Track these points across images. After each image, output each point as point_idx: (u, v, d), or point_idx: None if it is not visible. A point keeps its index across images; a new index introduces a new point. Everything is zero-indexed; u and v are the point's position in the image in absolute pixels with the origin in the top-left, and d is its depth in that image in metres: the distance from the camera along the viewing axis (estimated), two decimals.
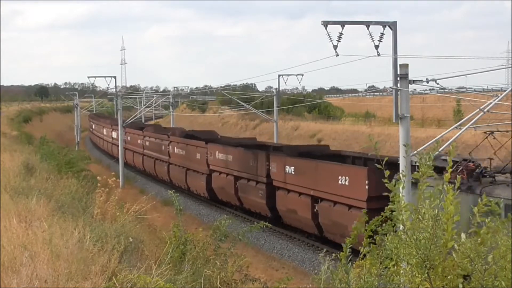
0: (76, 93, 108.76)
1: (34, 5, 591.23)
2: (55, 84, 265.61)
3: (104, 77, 58.27)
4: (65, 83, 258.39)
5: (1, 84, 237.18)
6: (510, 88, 25.32)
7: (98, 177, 23.49)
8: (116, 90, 60.07)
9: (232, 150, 39.79)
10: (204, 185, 43.76)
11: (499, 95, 21.83)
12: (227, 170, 40.08)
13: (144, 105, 78.58)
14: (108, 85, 58.48)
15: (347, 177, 27.23)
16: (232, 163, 39.32)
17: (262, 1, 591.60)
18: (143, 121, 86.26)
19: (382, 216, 9.14)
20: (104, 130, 79.22)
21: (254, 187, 36.52)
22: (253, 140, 46.57)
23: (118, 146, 62.75)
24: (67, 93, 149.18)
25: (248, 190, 37.55)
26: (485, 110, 20.66)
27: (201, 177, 44.49)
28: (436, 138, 18.92)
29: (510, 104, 25.14)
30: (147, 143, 57.30)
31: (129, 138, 63.65)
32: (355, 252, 8.76)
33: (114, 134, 69.71)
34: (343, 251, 8.98)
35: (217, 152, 41.49)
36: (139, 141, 60.13)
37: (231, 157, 39.50)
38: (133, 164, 63.43)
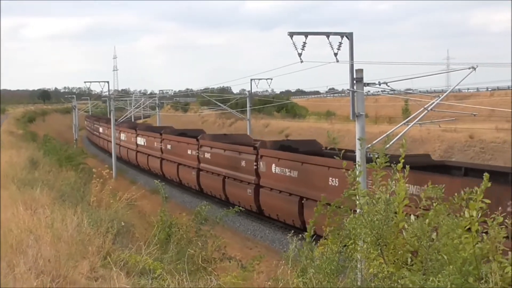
0: (74, 96, 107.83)
1: (38, 18, 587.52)
2: (55, 88, 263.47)
3: (99, 82, 57.78)
4: (65, 88, 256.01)
5: (9, 89, 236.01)
6: (449, 90, 25.48)
7: (94, 170, 23.34)
8: (109, 93, 59.72)
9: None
10: None
11: (440, 95, 21.95)
12: None
13: (133, 106, 78.06)
14: (102, 89, 57.81)
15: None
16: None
17: (238, 15, 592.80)
18: (133, 120, 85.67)
19: (342, 197, 9.17)
20: (123, 135, 62.53)
21: None
22: (427, 158, 25.84)
23: (146, 154, 52.88)
24: (66, 96, 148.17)
25: None
26: (429, 108, 20.78)
27: None
28: (387, 133, 18.99)
29: (450, 103, 25.29)
30: (207, 155, 39.20)
31: (168, 146, 47.10)
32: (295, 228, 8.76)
33: (140, 141, 55.52)
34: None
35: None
36: (189, 152, 42.30)
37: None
38: (177, 179, 45.09)
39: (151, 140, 51.85)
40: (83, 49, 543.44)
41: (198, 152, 40.58)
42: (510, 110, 37.01)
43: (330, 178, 25.65)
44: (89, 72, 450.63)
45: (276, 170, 30.23)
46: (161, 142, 48.60)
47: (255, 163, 32.35)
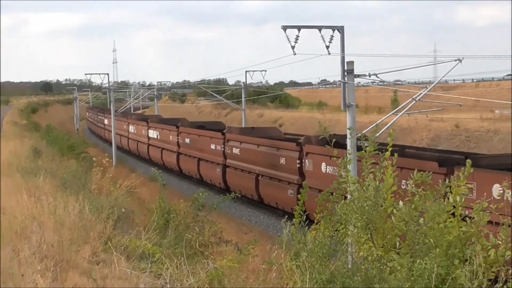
0: (75, 88, 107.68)
1: (38, 14, 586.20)
2: (57, 80, 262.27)
3: (99, 74, 57.70)
4: (66, 80, 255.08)
5: (12, 81, 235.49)
6: (436, 81, 25.52)
7: (94, 158, 23.33)
8: (109, 85, 59.59)
9: None
10: None
11: (428, 86, 22.00)
12: None
13: (132, 97, 77.88)
14: (102, 80, 57.63)
15: None
16: None
17: (233, 9, 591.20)
18: (132, 111, 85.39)
19: (332, 187, 9.20)
20: (132, 127, 58.06)
21: None
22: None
23: (159, 148, 47.74)
24: (67, 88, 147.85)
25: None
26: (417, 99, 20.83)
27: None
28: (376, 122, 19.02)
29: (437, 94, 25.31)
30: (236, 151, 33.92)
31: (187, 140, 41.67)
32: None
33: (153, 133, 50.21)
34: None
35: None
36: (213, 146, 36.92)
37: None
38: (198, 176, 39.95)
39: (165, 133, 46.52)
40: (83, 43, 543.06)
41: (224, 147, 35.32)
42: (494, 101, 37.06)
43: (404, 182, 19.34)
44: (89, 66, 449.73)
45: (327, 169, 25.10)
46: (177, 136, 43.34)
47: (298, 161, 27.54)
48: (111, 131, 66.18)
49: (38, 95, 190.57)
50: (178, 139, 43.20)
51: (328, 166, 25.00)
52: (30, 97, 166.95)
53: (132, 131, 57.90)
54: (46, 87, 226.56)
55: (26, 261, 8.63)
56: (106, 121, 72.60)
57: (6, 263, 8.53)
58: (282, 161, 28.91)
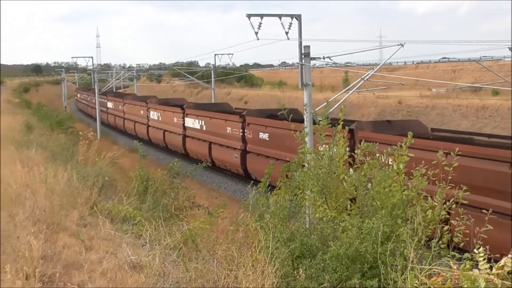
0: (63, 69, 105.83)
1: (28, 2, 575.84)
2: (47, 63, 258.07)
3: (84, 57, 57.39)
4: (55, 62, 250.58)
5: (5, 64, 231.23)
6: (382, 63, 25.64)
7: (80, 133, 23.08)
8: (93, 67, 58.92)
9: None
10: None
11: (374, 68, 22.12)
12: None
13: (114, 78, 76.92)
14: (87, 63, 57.11)
15: None
16: None
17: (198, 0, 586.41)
18: (114, 90, 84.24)
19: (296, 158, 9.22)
20: (153, 113, 45.73)
21: None
22: None
23: (206, 141, 35.02)
24: (56, 69, 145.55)
25: None
26: (365, 79, 20.93)
27: None
28: (330, 100, 19.08)
29: (382, 74, 25.45)
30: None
31: (263, 136, 28.58)
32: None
33: (193, 123, 37.32)
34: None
35: None
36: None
37: None
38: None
39: (219, 123, 33.40)
40: (69, 30, 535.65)
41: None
42: (432, 80, 37.37)
43: None
44: (75, 50, 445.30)
45: None
46: (243, 128, 30.67)
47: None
48: (114, 115, 59.24)
49: (29, 76, 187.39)
50: (245, 132, 30.54)
51: None
52: (22, 78, 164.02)
53: (155, 118, 45.61)
54: (36, 69, 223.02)
55: (21, 225, 8.54)
56: (109, 105, 59.25)
57: (3, 227, 8.44)
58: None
